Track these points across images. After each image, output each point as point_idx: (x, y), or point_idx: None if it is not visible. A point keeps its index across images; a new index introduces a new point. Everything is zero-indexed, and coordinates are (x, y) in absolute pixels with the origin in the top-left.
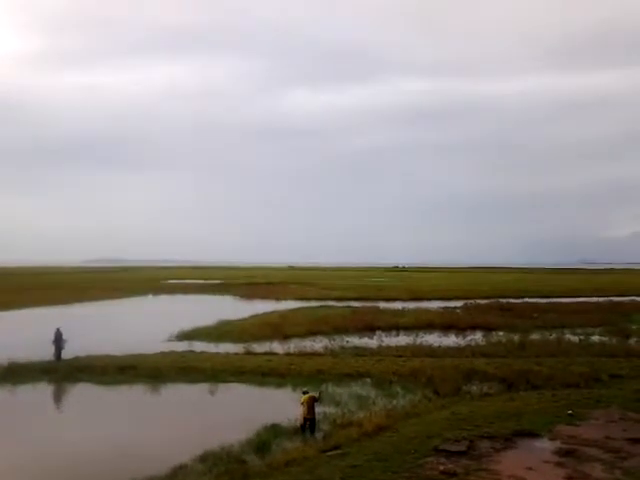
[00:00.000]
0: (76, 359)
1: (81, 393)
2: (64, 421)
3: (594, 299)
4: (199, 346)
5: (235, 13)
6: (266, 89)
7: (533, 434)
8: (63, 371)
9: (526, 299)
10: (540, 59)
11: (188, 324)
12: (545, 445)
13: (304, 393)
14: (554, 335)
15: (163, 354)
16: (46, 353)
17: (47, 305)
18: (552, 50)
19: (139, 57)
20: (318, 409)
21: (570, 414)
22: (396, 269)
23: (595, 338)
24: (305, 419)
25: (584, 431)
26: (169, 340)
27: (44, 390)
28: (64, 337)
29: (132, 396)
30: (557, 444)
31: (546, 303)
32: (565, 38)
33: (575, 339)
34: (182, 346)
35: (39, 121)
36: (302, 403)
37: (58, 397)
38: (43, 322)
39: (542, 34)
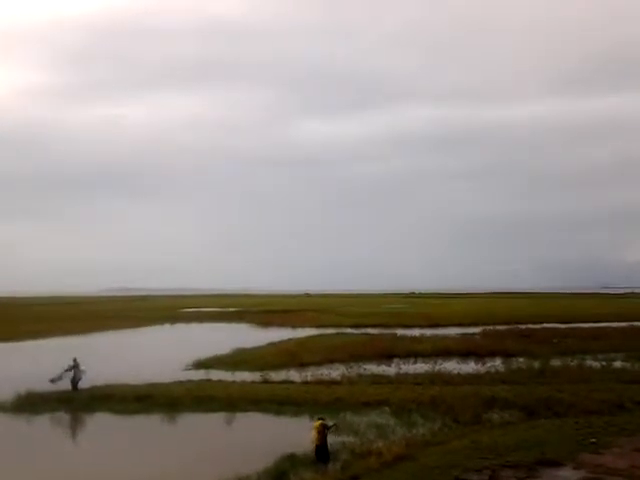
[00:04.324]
0: (94, 388)
1: (97, 423)
2: (79, 451)
3: (615, 324)
4: (215, 374)
5: (250, 45)
6: (281, 119)
7: (556, 463)
8: (80, 400)
9: (545, 324)
10: (556, 84)
11: (204, 353)
12: (569, 474)
13: (319, 419)
14: (575, 361)
15: (180, 383)
16: (63, 383)
17: (64, 335)
18: (567, 75)
19: (155, 90)
20: (336, 438)
21: (593, 442)
22: (413, 295)
23: (617, 364)
24: (316, 447)
25: (608, 460)
26: (186, 369)
27: (61, 420)
28: (82, 367)
29: (149, 426)
30: (581, 473)
31: (566, 328)
32: (581, 63)
33: (597, 365)
34: (198, 375)
35: (57, 153)
36: (314, 428)
37: (74, 427)
38: (60, 352)
39: (558, 59)
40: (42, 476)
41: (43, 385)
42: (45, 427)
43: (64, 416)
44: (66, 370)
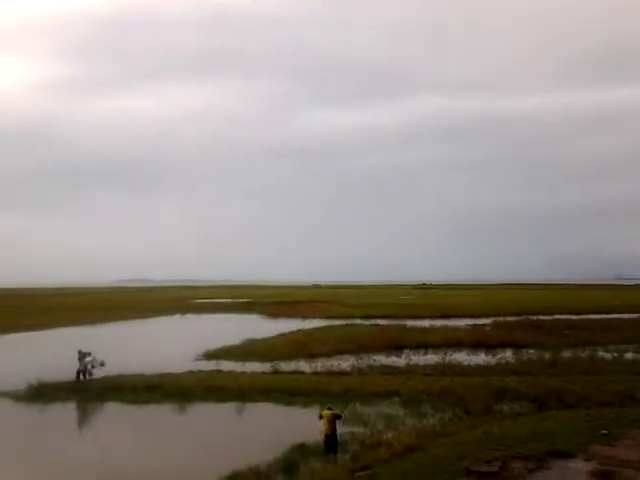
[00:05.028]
0: (105, 378)
1: (109, 412)
2: (91, 440)
3: (627, 316)
4: (226, 365)
5: (254, 36)
6: (286, 111)
7: (567, 454)
8: (92, 390)
9: (556, 316)
10: (560, 75)
11: (215, 343)
12: (580, 466)
13: (328, 409)
14: (586, 353)
15: (190, 373)
16: (74, 373)
17: (77, 325)
18: (572, 65)
19: (159, 82)
20: (346, 429)
21: (605, 434)
22: (423, 286)
23: (629, 356)
24: (326, 436)
25: (620, 452)
26: (196, 359)
27: (72, 409)
28: (95, 359)
29: (160, 416)
30: (592, 465)
31: (578, 320)
32: (585, 53)
33: (608, 357)
34: (209, 365)
35: (67, 146)
36: (322, 417)
37: (86, 416)
38: (72, 342)
39: (561, 49)
40: (54, 464)
41: (54, 375)
42: (56, 416)
43: (76, 406)
44: (84, 360)
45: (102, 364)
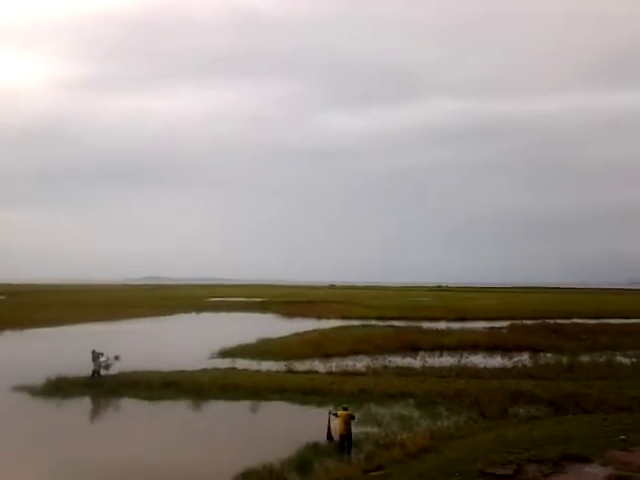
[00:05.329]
0: (121, 374)
1: (124, 408)
2: (107, 434)
3: None
4: (241, 363)
5: (275, 38)
6: (307, 112)
7: (583, 459)
8: (108, 386)
9: (574, 320)
10: (582, 74)
11: (230, 342)
12: (596, 471)
13: (344, 409)
14: (604, 357)
15: (205, 371)
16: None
17: (93, 322)
18: (594, 65)
19: (182, 82)
20: (360, 429)
21: (623, 439)
22: (439, 288)
23: None
24: (341, 436)
25: (638, 457)
26: (211, 357)
27: (89, 404)
28: (109, 358)
29: (175, 412)
30: (609, 470)
31: (595, 324)
32: (608, 52)
33: (627, 361)
34: (224, 363)
35: (83, 143)
36: (336, 415)
37: (102, 411)
38: (88, 339)
39: (584, 48)
40: (69, 457)
41: (71, 370)
42: (73, 410)
43: (92, 400)
44: (98, 360)
45: (116, 358)
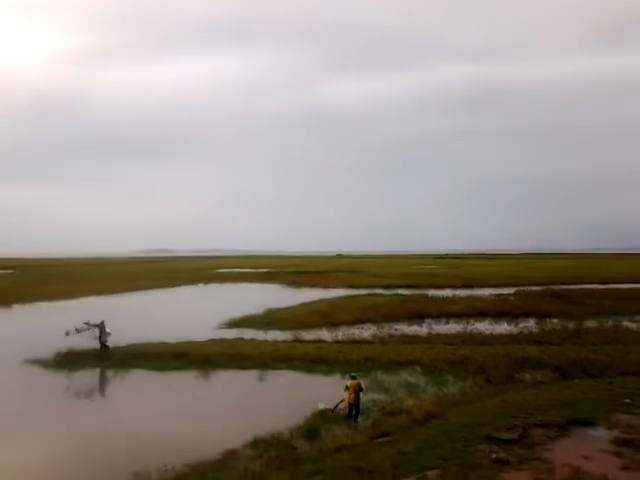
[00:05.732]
0: (130, 346)
1: (134, 378)
2: (117, 405)
3: None
4: (248, 333)
5: (277, 5)
6: (312, 79)
7: (589, 423)
8: (118, 358)
9: (580, 285)
10: (589, 38)
11: (238, 312)
12: (601, 434)
13: (352, 378)
14: (611, 322)
15: (214, 341)
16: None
17: (103, 294)
18: (602, 29)
19: (185, 51)
20: (367, 396)
21: (628, 403)
22: (446, 256)
23: None
24: (350, 405)
25: None
26: (219, 327)
27: (99, 376)
28: (107, 330)
29: (184, 382)
30: (614, 433)
31: (602, 289)
32: (617, 15)
33: (633, 326)
34: (232, 333)
35: (90, 116)
36: (347, 387)
37: (112, 382)
38: (99, 311)
39: (590, 12)
40: (81, 428)
41: (78, 343)
42: (85, 382)
43: (102, 372)
44: (87, 325)
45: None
